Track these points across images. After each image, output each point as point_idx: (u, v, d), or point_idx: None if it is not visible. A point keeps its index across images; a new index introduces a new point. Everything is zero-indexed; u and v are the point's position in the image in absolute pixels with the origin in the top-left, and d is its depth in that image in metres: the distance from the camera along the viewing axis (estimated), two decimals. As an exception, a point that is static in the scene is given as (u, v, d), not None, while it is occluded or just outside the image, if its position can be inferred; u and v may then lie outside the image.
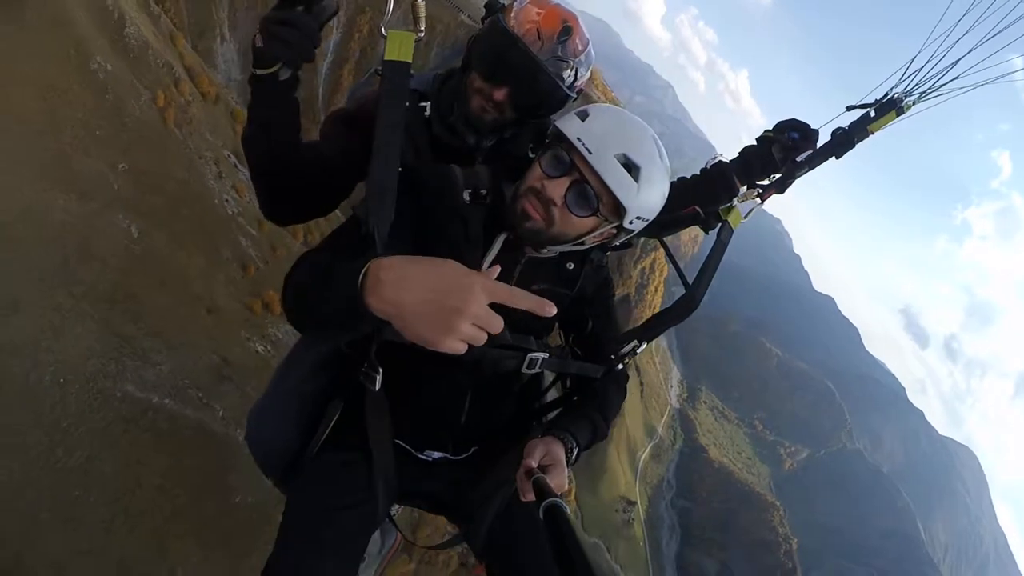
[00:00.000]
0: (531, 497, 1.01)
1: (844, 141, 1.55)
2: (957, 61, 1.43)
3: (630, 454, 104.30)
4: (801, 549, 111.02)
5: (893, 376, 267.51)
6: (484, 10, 1.39)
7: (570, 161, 1.14)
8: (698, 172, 1.73)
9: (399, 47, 1.17)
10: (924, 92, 1.50)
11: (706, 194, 1.62)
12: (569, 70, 1.34)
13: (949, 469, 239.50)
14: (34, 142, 3.71)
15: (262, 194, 1.42)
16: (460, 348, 0.81)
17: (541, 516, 0.88)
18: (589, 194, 1.14)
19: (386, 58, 1.17)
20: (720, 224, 1.48)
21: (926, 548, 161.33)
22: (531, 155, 1.25)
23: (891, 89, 1.55)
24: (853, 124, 1.57)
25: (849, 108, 1.60)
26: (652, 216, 1.21)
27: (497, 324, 0.81)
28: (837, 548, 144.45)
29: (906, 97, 1.53)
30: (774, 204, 1.62)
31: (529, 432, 1.54)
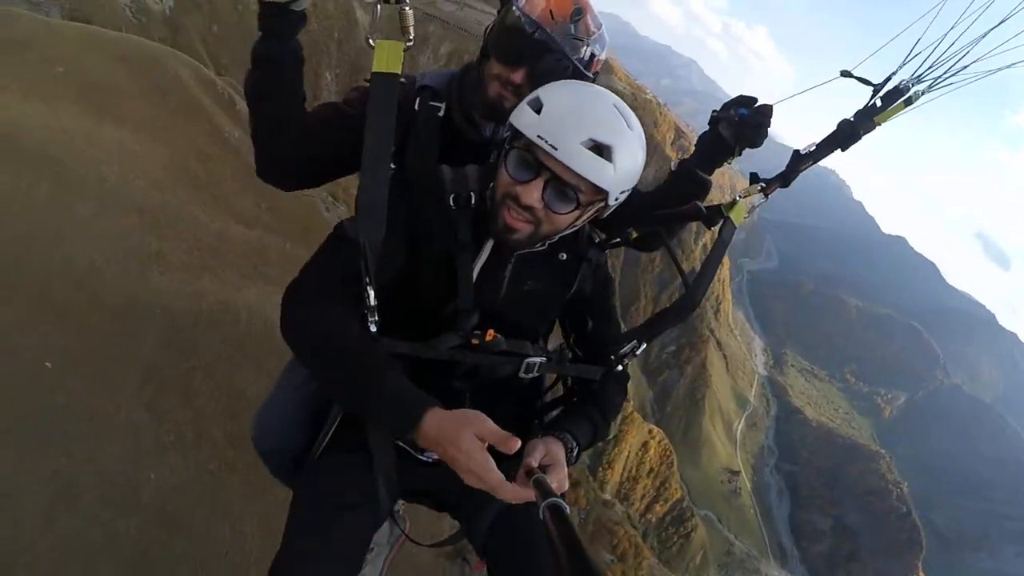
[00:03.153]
0: (531, 497, 1.01)
1: (850, 134, 1.42)
2: (985, 34, 1.23)
3: (725, 426, 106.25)
4: (913, 492, 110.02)
5: (980, 304, 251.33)
6: (499, 2, 1.40)
7: (537, 160, 1.10)
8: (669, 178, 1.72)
9: (387, 58, 1.14)
10: (938, 79, 1.31)
11: (680, 195, 1.61)
12: (584, 48, 1.34)
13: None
14: (204, 191, 5.28)
15: (262, 150, 1.44)
16: (476, 482, 0.99)
17: (541, 516, 0.87)
18: (566, 190, 1.10)
19: (374, 70, 1.15)
20: (723, 220, 1.43)
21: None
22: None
23: (893, 74, 1.36)
24: (858, 115, 1.42)
25: (844, 74, 1.43)
26: (635, 182, 1.19)
27: (480, 462, 0.97)
28: (951, 486, 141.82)
29: (914, 85, 1.35)
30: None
31: (529, 432, 1.52)
